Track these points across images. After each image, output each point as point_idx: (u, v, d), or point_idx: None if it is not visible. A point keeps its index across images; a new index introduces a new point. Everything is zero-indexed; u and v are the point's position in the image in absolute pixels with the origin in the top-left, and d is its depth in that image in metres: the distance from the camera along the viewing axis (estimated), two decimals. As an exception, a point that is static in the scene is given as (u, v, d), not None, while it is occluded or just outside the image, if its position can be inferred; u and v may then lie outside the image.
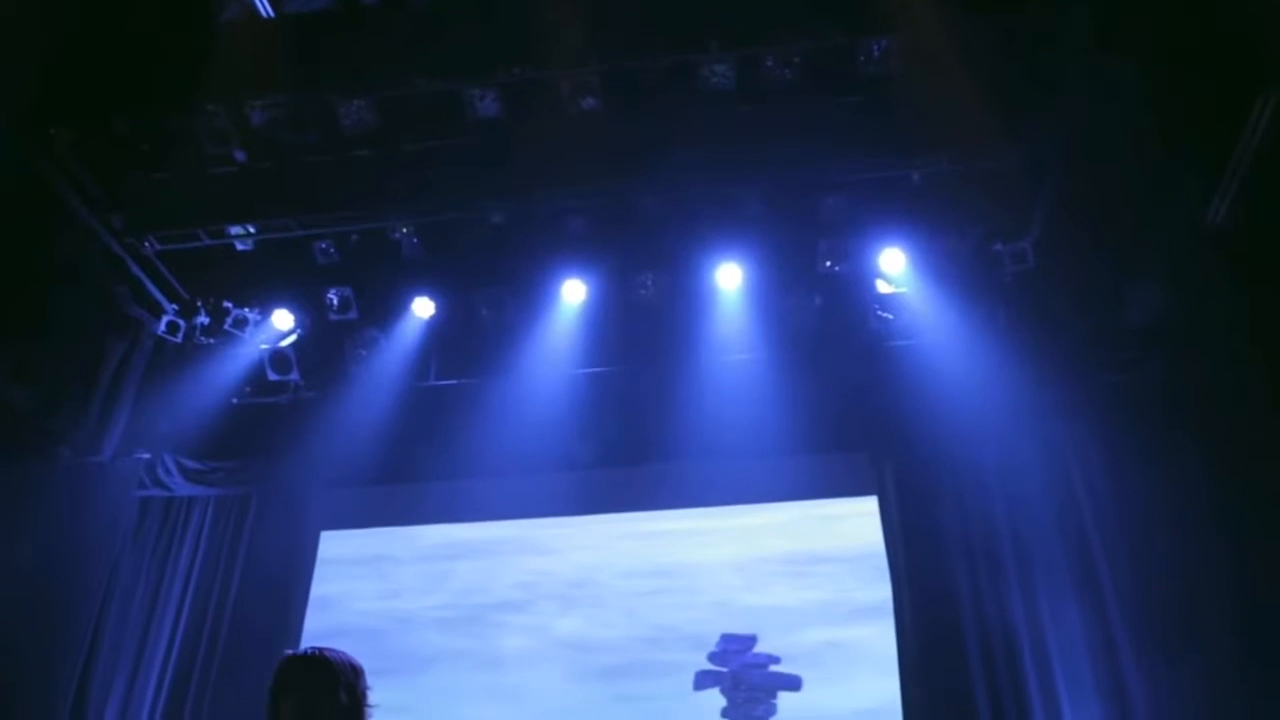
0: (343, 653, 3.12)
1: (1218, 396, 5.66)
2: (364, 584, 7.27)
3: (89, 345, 6.89)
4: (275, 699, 3.02)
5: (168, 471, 7.10)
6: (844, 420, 6.76)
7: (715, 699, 6.53)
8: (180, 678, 6.65)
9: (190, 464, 7.18)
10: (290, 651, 3.11)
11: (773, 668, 6.55)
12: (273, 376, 7.20)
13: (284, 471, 7.16)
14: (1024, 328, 6.51)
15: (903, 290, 6.78)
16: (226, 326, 7.09)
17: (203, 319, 7.19)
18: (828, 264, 6.80)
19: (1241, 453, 5.70)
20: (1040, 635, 6.04)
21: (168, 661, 6.68)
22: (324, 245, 6.88)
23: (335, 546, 7.37)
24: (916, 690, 6.10)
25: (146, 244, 6.78)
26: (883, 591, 6.44)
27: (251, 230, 6.73)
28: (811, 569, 6.80)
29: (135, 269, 6.91)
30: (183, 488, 7.16)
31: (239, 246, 6.84)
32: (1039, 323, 6.47)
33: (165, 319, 7.13)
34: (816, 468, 6.91)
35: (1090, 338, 6.32)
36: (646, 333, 7.06)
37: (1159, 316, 6.03)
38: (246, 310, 7.12)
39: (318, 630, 6.79)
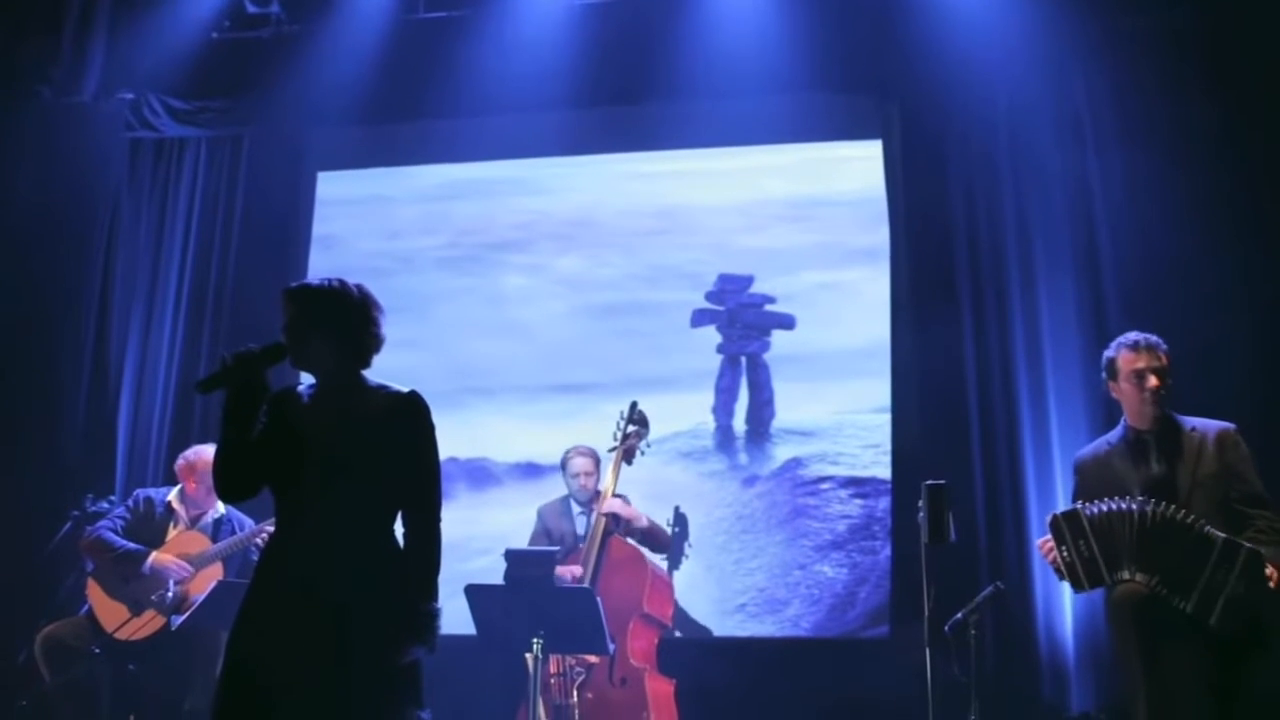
0: (360, 285, 3.11)
1: (1245, 44, 5.44)
2: (364, 223, 7.28)
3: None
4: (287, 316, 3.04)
5: (154, 112, 6.87)
6: (852, 60, 6.43)
7: (711, 336, 6.78)
8: (193, 316, 6.83)
9: (177, 104, 6.94)
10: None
11: (768, 307, 6.74)
12: (251, 9, 6.78)
13: (275, 110, 6.91)
14: (1051, -38, 6.11)
15: (927, -82, 6.28)
16: (194, -48, 6.63)
17: (166, -57, 6.69)
18: (849, -117, 6.28)
19: (1260, 102, 5.59)
20: (1030, 264, 6.14)
21: (179, 301, 6.85)
22: None
23: (333, 187, 7.30)
24: (906, 331, 6.31)
25: None
26: (880, 236, 6.48)
27: None
28: (811, 212, 6.81)
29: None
30: (171, 128, 6.97)
31: None
32: (1067, -44, 6.06)
33: (125, -58, 6.64)
34: (821, 109, 6.72)
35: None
36: (648, -39, 6.62)
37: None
38: (213, -66, 6.63)
39: (322, 269, 6.84)
